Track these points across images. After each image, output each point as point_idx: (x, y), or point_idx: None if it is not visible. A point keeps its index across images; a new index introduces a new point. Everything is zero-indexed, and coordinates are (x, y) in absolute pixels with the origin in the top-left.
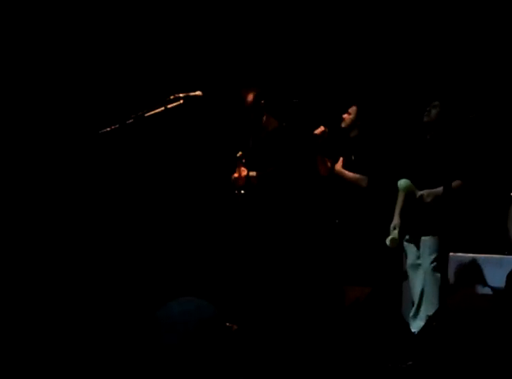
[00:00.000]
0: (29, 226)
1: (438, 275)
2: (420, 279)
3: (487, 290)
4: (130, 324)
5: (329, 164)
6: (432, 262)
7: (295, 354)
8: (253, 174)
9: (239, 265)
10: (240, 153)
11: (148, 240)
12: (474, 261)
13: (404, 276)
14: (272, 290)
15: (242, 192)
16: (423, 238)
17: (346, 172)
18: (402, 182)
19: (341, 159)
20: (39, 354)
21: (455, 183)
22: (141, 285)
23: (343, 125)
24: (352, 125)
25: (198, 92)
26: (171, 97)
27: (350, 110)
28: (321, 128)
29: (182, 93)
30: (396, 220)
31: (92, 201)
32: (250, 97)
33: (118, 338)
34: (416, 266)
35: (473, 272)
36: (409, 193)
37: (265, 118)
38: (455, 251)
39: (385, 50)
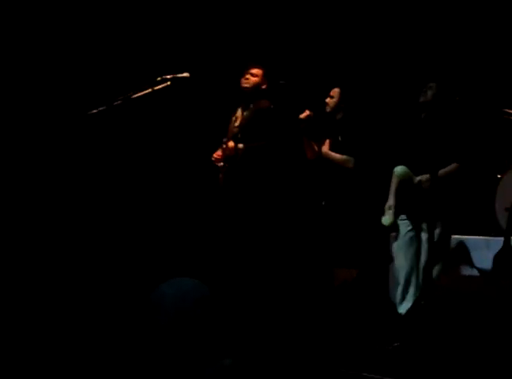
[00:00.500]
0: (15, 210)
1: (429, 257)
2: (410, 260)
3: (474, 272)
4: (123, 312)
5: (315, 147)
6: (429, 244)
7: (284, 335)
8: (240, 146)
9: (226, 248)
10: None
11: (134, 224)
12: (461, 243)
13: (391, 258)
14: (259, 272)
15: (225, 165)
16: (424, 222)
17: (333, 154)
18: (399, 169)
19: (328, 141)
20: (35, 342)
21: (452, 166)
22: (131, 275)
23: (327, 109)
24: (337, 108)
25: (186, 74)
26: (159, 79)
27: (332, 94)
28: (306, 112)
29: (169, 75)
30: (391, 201)
31: (79, 185)
32: (259, 72)
33: (112, 327)
34: (406, 247)
35: (460, 253)
36: (406, 180)
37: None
38: None
39: (372, 30)
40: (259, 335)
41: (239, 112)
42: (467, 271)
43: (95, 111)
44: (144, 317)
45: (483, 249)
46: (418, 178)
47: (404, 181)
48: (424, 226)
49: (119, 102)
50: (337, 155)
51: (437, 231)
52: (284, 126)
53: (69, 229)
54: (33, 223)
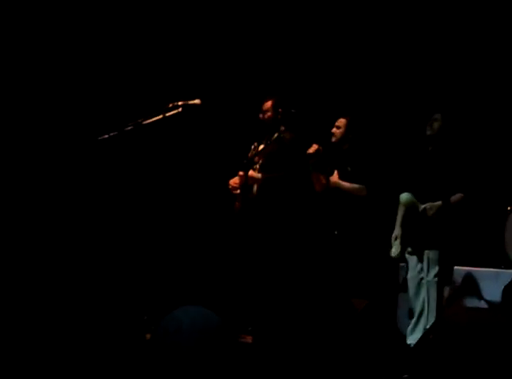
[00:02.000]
0: (31, 232)
1: (440, 289)
2: (421, 292)
3: (483, 304)
4: (131, 328)
5: (323, 180)
6: (435, 276)
7: (295, 363)
8: (259, 175)
9: (238, 270)
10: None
11: (147, 247)
12: (470, 275)
13: (402, 288)
14: (275, 300)
15: (242, 193)
16: (426, 251)
17: (344, 183)
18: (404, 196)
19: (336, 171)
20: (39, 354)
21: (457, 196)
22: (142, 289)
23: (333, 139)
24: (344, 138)
25: (197, 101)
26: (170, 105)
27: (339, 124)
28: (315, 146)
29: (180, 101)
30: (397, 231)
31: (91, 208)
32: (268, 104)
33: (117, 342)
34: (418, 279)
35: (469, 285)
36: (411, 207)
37: (283, 128)
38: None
39: (376, 59)
40: (273, 362)
41: (263, 142)
42: (476, 303)
43: (106, 137)
44: (158, 343)
45: (493, 281)
46: (423, 206)
47: (410, 208)
48: (425, 255)
49: (130, 128)
50: (348, 185)
51: (439, 261)
52: (301, 157)
53: (84, 251)
54: (50, 245)
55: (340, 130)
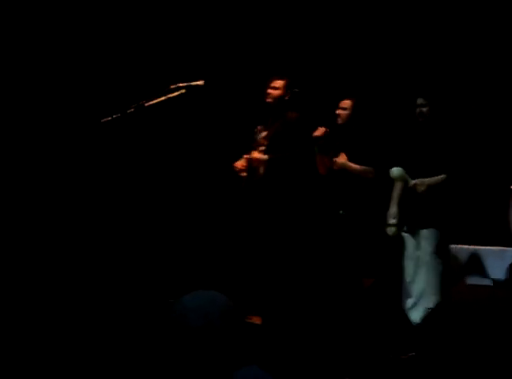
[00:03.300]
0: (26, 216)
1: (438, 267)
2: (419, 271)
3: (488, 282)
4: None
5: (327, 163)
6: (432, 254)
7: (302, 343)
8: (265, 157)
9: (246, 252)
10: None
11: (149, 232)
12: (475, 253)
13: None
14: (281, 282)
15: (249, 175)
16: (421, 230)
17: (352, 165)
18: (394, 170)
19: (342, 153)
20: (40, 344)
21: (441, 176)
22: (143, 279)
23: (340, 121)
24: (350, 119)
25: (200, 82)
26: (173, 87)
27: (344, 105)
28: (322, 129)
29: (183, 83)
30: (393, 209)
31: (92, 192)
32: (281, 82)
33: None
34: (415, 258)
35: (475, 263)
36: (402, 182)
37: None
38: (457, 243)
39: (372, 34)
40: (279, 341)
41: (267, 124)
42: (481, 281)
43: (108, 119)
44: (167, 329)
45: (498, 260)
46: (413, 182)
47: (399, 183)
48: (420, 233)
49: (133, 110)
50: (357, 167)
51: (435, 239)
52: (307, 138)
53: (83, 235)
54: (49, 228)
55: (346, 112)
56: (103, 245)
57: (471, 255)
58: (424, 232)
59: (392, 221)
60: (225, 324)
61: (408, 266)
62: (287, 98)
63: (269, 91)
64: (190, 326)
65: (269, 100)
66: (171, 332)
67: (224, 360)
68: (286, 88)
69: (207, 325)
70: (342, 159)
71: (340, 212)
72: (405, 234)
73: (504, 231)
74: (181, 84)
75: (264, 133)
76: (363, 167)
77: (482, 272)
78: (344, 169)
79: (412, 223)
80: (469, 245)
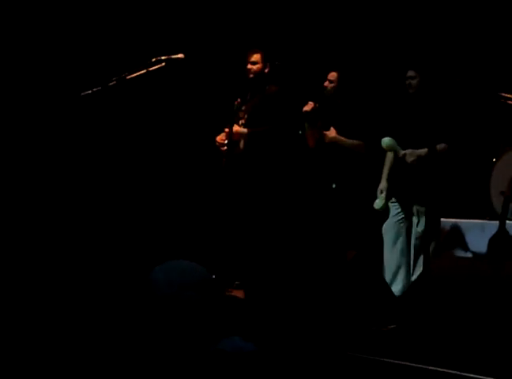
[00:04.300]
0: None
1: (421, 240)
2: (399, 243)
3: (469, 255)
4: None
5: (316, 135)
6: (419, 228)
7: (284, 316)
8: (245, 130)
9: (227, 225)
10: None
11: (134, 203)
12: (456, 226)
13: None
14: (259, 254)
15: (229, 148)
16: (415, 206)
17: (343, 139)
18: (386, 140)
19: (332, 128)
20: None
21: (442, 146)
22: (129, 249)
23: (326, 93)
24: (336, 92)
25: (180, 55)
26: (153, 60)
27: (330, 78)
28: (311, 104)
29: (164, 56)
30: (383, 184)
31: (73, 166)
32: (258, 56)
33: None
34: (396, 228)
35: (456, 236)
36: (392, 152)
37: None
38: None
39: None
40: (262, 313)
41: (247, 98)
42: (462, 253)
43: (89, 92)
44: (141, 300)
45: (479, 233)
46: (403, 152)
47: (390, 154)
48: (414, 208)
49: (114, 83)
50: (349, 141)
51: (426, 214)
52: (289, 110)
53: (62, 208)
54: (19, 198)
55: (333, 85)
56: (84, 217)
57: (452, 228)
58: (417, 208)
59: (381, 196)
60: (198, 294)
61: (387, 236)
62: (267, 71)
63: (249, 66)
64: (159, 295)
65: (250, 76)
66: (143, 301)
67: (200, 330)
68: (264, 60)
69: (176, 294)
70: (332, 132)
71: (333, 185)
72: (390, 204)
73: (485, 205)
74: (161, 57)
75: (244, 106)
76: (354, 141)
77: (463, 245)
78: (334, 143)
79: (403, 198)
80: (450, 218)
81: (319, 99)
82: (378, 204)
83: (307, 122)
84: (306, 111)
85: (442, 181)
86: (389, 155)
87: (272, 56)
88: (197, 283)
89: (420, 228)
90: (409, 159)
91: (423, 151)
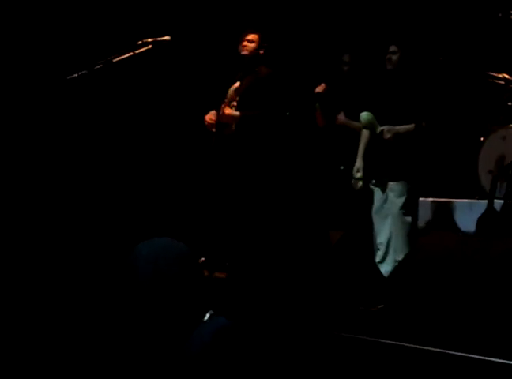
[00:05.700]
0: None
1: (407, 219)
2: (387, 224)
3: (457, 234)
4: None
5: (325, 117)
6: (401, 207)
7: (270, 296)
8: (236, 113)
9: (215, 207)
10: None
11: (124, 184)
12: (445, 205)
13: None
14: (245, 238)
15: (218, 130)
16: (389, 183)
17: (354, 122)
18: (364, 115)
19: (341, 112)
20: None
21: (411, 125)
22: (117, 232)
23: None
24: (349, 73)
25: (167, 37)
26: (140, 42)
27: (251, 38)
28: (323, 85)
29: (150, 38)
30: (359, 163)
31: (60, 150)
32: (256, 36)
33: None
34: (383, 211)
35: (444, 216)
36: (370, 128)
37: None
38: (426, 196)
39: None
40: (248, 294)
41: (237, 78)
42: (450, 232)
43: (75, 75)
44: (124, 279)
45: (467, 212)
46: (381, 128)
47: (369, 129)
48: (391, 186)
49: (100, 66)
50: (359, 124)
51: (403, 192)
52: (281, 95)
53: (49, 191)
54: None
55: (253, 45)
56: (72, 200)
57: (441, 207)
58: (392, 185)
59: (357, 175)
60: (178, 270)
61: (376, 219)
62: (261, 52)
63: (245, 43)
64: (139, 272)
65: (244, 53)
66: (124, 279)
67: (181, 308)
68: (260, 42)
69: (156, 272)
70: (342, 117)
71: (341, 167)
72: (373, 188)
73: (473, 184)
74: (148, 40)
75: (234, 86)
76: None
77: (452, 224)
78: (344, 125)
79: (379, 175)
80: (439, 197)
81: (332, 80)
82: (356, 184)
83: (319, 103)
84: (318, 92)
85: (419, 159)
86: (365, 133)
87: (266, 37)
88: (180, 258)
89: (395, 209)
90: (386, 135)
91: (402, 128)
